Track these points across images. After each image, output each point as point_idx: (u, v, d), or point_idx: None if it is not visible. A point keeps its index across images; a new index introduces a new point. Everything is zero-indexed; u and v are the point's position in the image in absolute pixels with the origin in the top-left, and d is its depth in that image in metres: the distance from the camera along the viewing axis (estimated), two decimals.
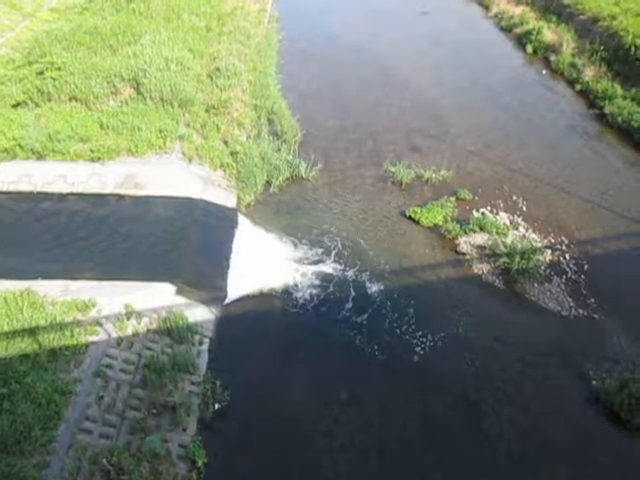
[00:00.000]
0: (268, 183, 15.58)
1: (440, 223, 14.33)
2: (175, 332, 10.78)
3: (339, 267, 13.15)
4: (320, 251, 13.54)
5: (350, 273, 12.95)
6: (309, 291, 12.49)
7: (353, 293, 12.38)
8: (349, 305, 12.16)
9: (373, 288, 12.61)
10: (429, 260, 13.44)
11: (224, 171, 15.27)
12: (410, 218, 14.53)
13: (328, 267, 13.11)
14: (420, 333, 11.48)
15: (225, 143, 16.06)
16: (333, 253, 13.48)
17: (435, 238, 14.05)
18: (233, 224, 13.96)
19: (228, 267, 12.59)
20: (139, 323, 10.76)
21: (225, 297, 12.05)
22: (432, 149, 17.11)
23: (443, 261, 13.39)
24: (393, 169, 16.18)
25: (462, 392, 10.44)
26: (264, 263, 12.91)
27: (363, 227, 14.40)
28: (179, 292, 11.53)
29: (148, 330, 10.74)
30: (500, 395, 10.42)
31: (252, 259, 12.89)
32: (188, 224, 13.05)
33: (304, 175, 15.85)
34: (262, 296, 12.17)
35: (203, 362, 10.71)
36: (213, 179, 14.91)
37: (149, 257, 11.98)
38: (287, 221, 14.38)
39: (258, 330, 11.42)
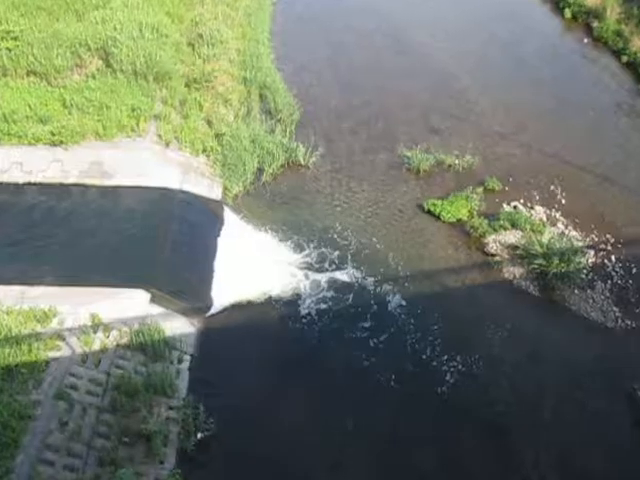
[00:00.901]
0: (260, 171, 15.56)
1: (464, 218, 14.37)
2: (150, 348, 10.78)
3: (345, 272, 13.11)
4: (322, 252, 13.51)
5: (358, 279, 12.95)
6: (309, 301, 12.43)
7: (361, 303, 12.37)
8: (356, 318, 12.11)
9: (385, 297, 12.63)
10: (452, 263, 13.49)
11: (207, 157, 15.32)
12: (429, 212, 14.52)
13: (332, 272, 13.11)
14: (442, 352, 11.43)
15: (209, 123, 16.13)
16: (337, 255, 13.49)
17: (459, 236, 14.09)
18: (218, 220, 13.90)
19: (212, 271, 12.58)
20: (107, 337, 10.78)
21: (209, 307, 12.05)
22: (454, 130, 17.19)
23: (468, 264, 13.47)
24: (408, 154, 16.23)
25: (492, 423, 10.41)
26: (255, 267, 12.82)
27: (373, 223, 14.46)
28: (154, 300, 11.54)
29: (118, 345, 10.75)
30: (536, 424, 10.31)
31: (241, 262, 12.82)
32: (165, 220, 13.01)
33: (303, 161, 15.85)
34: (253, 306, 12.11)
35: (183, 383, 10.73)
36: (194, 166, 14.99)
37: (119, 259, 11.97)
38: (282, 216, 14.34)
39: (248, 346, 11.37)
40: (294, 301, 12.50)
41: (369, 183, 15.66)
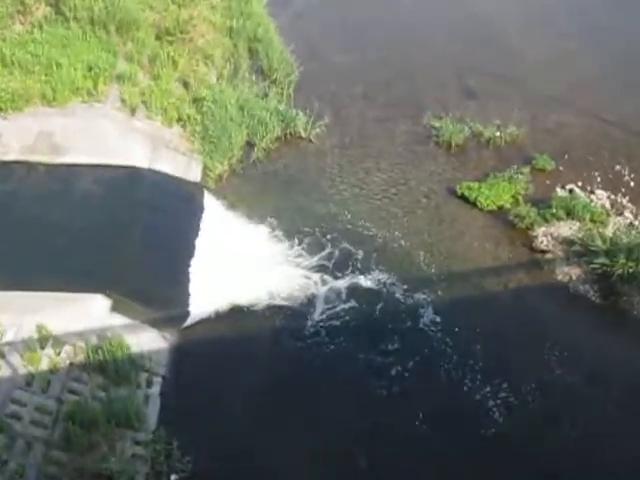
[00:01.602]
0: (250, 145, 15.39)
1: (507, 205, 14.31)
2: (111, 368, 10.72)
3: (357, 273, 12.92)
4: (327, 248, 13.31)
5: (373, 282, 12.77)
6: (311, 310, 12.27)
7: (378, 314, 12.21)
8: (370, 332, 11.99)
9: (408, 305, 12.47)
10: (491, 262, 13.37)
11: (183, 127, 15.21)
12: (463, 198, 14.46)
13: (339, 273, 12.96)
14: (485, 380, 11.28)
15: (185, 86, 16.06)
16: (347, 251, 13.29)
17: (500, 228, 13.99)
18: (197, 207, 13.78)
19: (190, 272, 12.44)
20: (58, 354, 10.69)
21: (185, 316, 11.94)
22: (495, 94, 17.11)
23: (512, 263, 13.32)
24: (437, 124, 16.15)
25: (552, 472, 10.16)
26: (243, 267, 12.69)
27: (392, 212, 14.34)
28: (117, 308, 11.50)
29: (72, 364, 10.69)
30: (608, 472, 10.14)
31: (226, 260, 12.67)
32: (130, 207, 12.92)
33: (303, 133, 15.74)
34: (241, 317, 12.01)
35: (153, 412, 10.64)
36: (167, 139, 14.84)
37: (73, 256, 11.88)
38: (278, 203, 14.23)
39: (235, 367, 11.24)
40: (293, 311, 12.32)
41: (387, 161, 15.55)
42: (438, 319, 12.31)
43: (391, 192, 14.91)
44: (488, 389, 11.24)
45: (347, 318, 12.26)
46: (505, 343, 11.91)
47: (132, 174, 13.70)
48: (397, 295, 12.69)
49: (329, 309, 12.44)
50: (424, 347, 11.86)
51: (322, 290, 12.74)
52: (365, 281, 12.91)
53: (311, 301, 12.50)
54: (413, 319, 12.27)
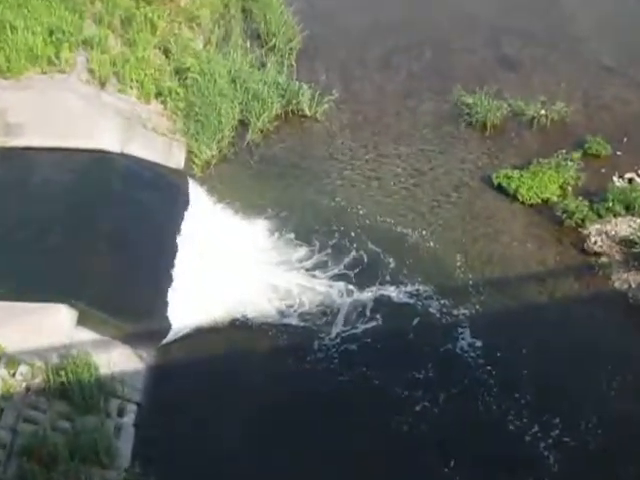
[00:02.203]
0: (244, 125, 15.35)
1: (554, 198, 14.27)
2: (76, 393, 10.60)
3: (372, 281, 12.86)
4: (336, 250, 13.33)
5: (393, 292, 12.68)
6: (316, 325, 12.24)
7: (403, 334, 12.11)
8: (394, 358, 11.83)
9: (434, 322, 12.36)
10: (536, 265, 13.26)
11: (163, 104, 15.18)
12: (500, 189, 14.45)
13: (351, 280, 12.86)
14: (536, 417, 10.97)
15: (166, 53, 16.03)
16: (360, 254, 13.25)
17: (545, 225, 13.93)
18: (180, 200, 13.73)
19: (171, 279, 12.45)
20: (12, 375, 10.54)
21: (166, 331, 11.95)
22: (538, 64, 17.22)
23: (560, 267, 13.24)
24: (469, 100, 16.17)
25: None
26: (235, 272, 12.68)
27: (416, 207, 14.29)
28: (84, 322, 11.45)
29: (28, 388, 10.57)
30: None
31: (214, 264, 12.69)
32: (99, 200, 12.89)
33: (308, 111, 15.76)
34: (232, 331, 12.00)
35: (126, 446, 10.48)
36: (144, 118, 14.78)
37: (31, 260, 11.78)
38: (277, 195, 14.22)
39: (224, 392, 11.16)
40: (295, 325, 12.20)
41: (409, 145, 15.48)
42: (476, 340, 12.11)
43: (414, 183, 14.79)
44: (538, 427, 10.91)
45: (365, 339, 12.06)
46: (555, 367, 11.67)
47: (101, 160, 13.63)
48: (424, 310, 12.51)
49: (343, 327, 12.27)
50: (460, 376, 11.64)
51: (333, 303, 12.61)
52: (384, 293, 12.73)
53: (319, 316, 12.37)
54: (445, 340, 12.09)
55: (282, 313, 12.34)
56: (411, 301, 12.69)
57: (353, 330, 12.21)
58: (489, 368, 11.69)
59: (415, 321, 12.31)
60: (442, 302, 12.64)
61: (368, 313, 12.39)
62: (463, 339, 12.12)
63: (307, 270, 13.08)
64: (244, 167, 14.82)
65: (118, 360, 11.37)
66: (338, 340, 11.98)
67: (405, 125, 15.88)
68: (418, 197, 14.58)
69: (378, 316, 12.39)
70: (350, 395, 11.29)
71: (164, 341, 11.83)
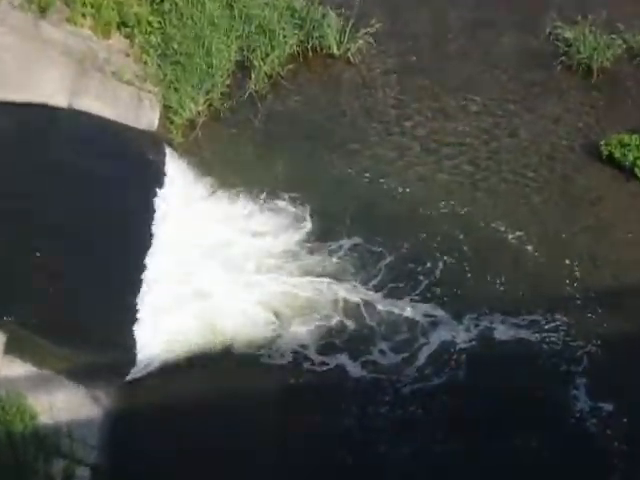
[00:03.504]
0: (244, 69, 14.74)
1: None
2: (4, 449, 10.47)
3: (431, 299, 12.41)
4: (376, 252, 12.82)
5: (485, 321, 12.21)
6: (341, 360, 11.90)
7: (469, 382, 11.67)
8: (442, 412, 11.49)
9: (537, 366, 11.88)
10: None
11: (129, 39, 14.78)
12: (611, 161, 13.94)
13: (399, 299, 12.38)
14: None
15: None
16: (412, 258, 12.78)
17: None
18: (152, 175, 13.38)
19: (138, 288, 12.13)
20: None
21: (130, 363, 11.62)
22: None
23: None
24: (568, 34, 15.57)
25: None
26: (227, 279, 12.47)
27: (491, 186, 13.69)
28: (16, 350, 11.18)
29: None
30: None
31: (198, 268, 12.53)
32: (37, 178, 12.59)
33: (336, 49, 15.16)
34: (218, 362, 11.71)
35: None
36: (101, 59, 14.36)
37: None
38: (290, 170, 13.73)
39: (210, 448, 10.86)
40: (308, 359, 11.84)
41: (481, 98, 14.89)
42: (598, 400, 11.68)
43: (488, 153, 14.19)
44: None
45: (412, 390, 11.53)
46: None
47: (40, 119, 13.28)
48: (519, 348, 12.08)
49: (371, 366, 11.82)
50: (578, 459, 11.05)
51: (363, 328, 12.17)
52: (449, 316, 12.29)
53: (339, 346, 11.95)
54: (557, 397, 11.61)
55: (288, 335, 12.03)
56: (504, 335, 12.29)
57: (432, 381, 11.77)
58: (617, 442, 11.21)
59: (509, 365, 11.86)
60: (544, 335, 12.24)
61: (435, 344, 12.10)
62: (580, 397, 11.75)
63: (328, 277, 12.59)
64: (244, 129, 14.25)
65: (65, 404, 11.01)
66: (345, 373, 11.64)
67: (475, 69, 15.13)
68: (493, 174, 13.95)
69: (462, 359, 11.97)
70: (354, 442, 11.11)
71: (130, 376, 11.43)
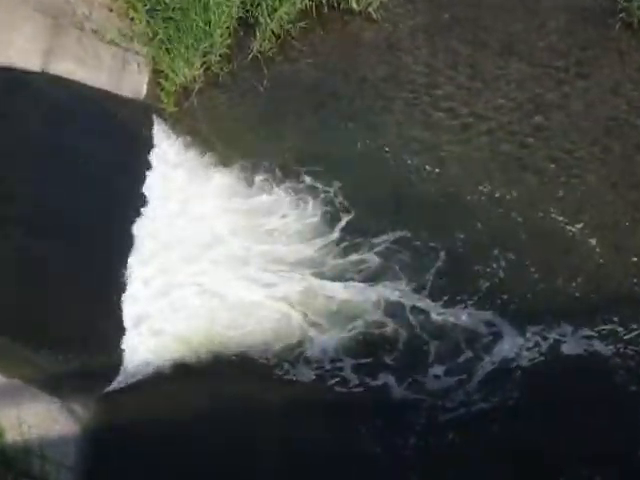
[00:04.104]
0: (247, 26, 14.23)
1: None
2: None
3: (478, 302, 11.77)
4: (412, 243, 12.19)
5: (513, 323, 11.63)
6: (374, 377, 11.27)
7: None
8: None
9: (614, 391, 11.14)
10: None
11: None
12: None
13: (436, 301, 11.76)
14: None
15: None
16: (449, 253, 12.10)
17: None
18: (138, 152, 13.00)
19: (122, 286, 11.89)
20: None
21: (112, 372, 11.40)
22: None
23: None
24: None
25: None
26: (230, 276, 12.10)
27: (533, 165, 12.94)
28: None
29: None
30: None
31: (194, 263, 12.22)
32: (5, 154, 12.07)
33: (354, 3, 14.53)
34: (223, 374, 11.48)
35: None
36: (79, 15, 13.86)
37: None
38: (302, 145, 13.16)
39: (206, 474, 10.78)
40: (340, 376, 11.30)
41: (527, 60, 14.08)
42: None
43: (533, 126, 13.37)
44: None
45: (468, 418, 10.94)
46: None
47: (9, 84, 12.74)
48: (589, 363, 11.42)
49: (418, 388, 11.07)
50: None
51: (408, 339, 11.48)
52: (511, 325, 11.68)
53: (380, 361, 11.32)
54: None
55: (299, 340, 11.71)
56: (575, 349, 11.77)
57: (491, 407, 11.11)
58: None
59: (582, 388, 11.31)
60: (621, 349, 11.68)
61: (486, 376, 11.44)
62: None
63: (347, 278, 12.05)
64: (247, 97, 13.45)
65: (36, 419, 10.84)
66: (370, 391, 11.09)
67: (520, 27, 14.25)
68: (540, 152, 13.08)
69: (526, 379, 11.29)
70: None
71: (111, 386, 11.24)
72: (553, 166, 13.42)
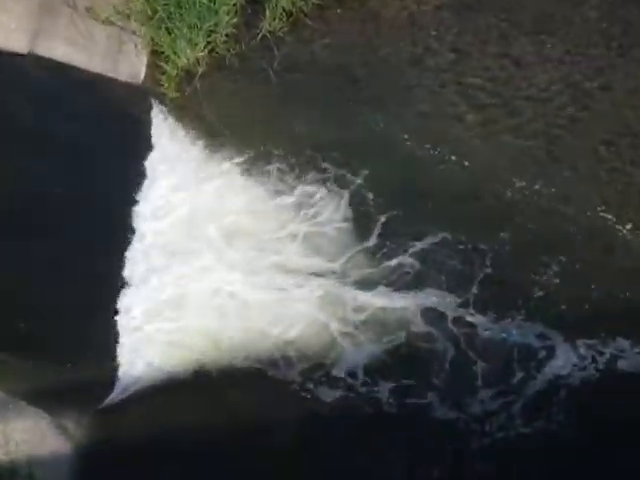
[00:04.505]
0: (255, 3, 13.76)
1: None
2: None
3: (528, 314, 11.56)
4: (448, 245, 11.97)
5: (568, 337, 11.46)
6: (409, 396, 10.95)
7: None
8: None
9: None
10: None
11: None
12: None
13: (481, 312, 11.54)
14: None
15: None
16: (493, 256, 11.90)
17: None
18: (137, 142, 12.85)
19: (119, 291, 11.88)
20: None
21: (107, 385, 11.38)
22: None
23: None
24: None
25: None
26: (242, 278, 11.88)
27: (572, 157, 12.69)
28: None
29: None
30: None
31: (197, 262, 12.07)
32: None
33: None
34: (219, 385, 11.35)
35: None
36: None
37: None
38: (319, 133, 12.88)
39: None
40: (372, 396, 10.97)
41: (563, 40, 13.75)
42: None
43: (571, 113, 13.06)
44: None
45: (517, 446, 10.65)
46: None
47: None
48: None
49: (461, 410, 10.88)
50: None
51: (450, 355, 11.22)
52: (564, 339, 11.50)
53: (416, 379, 11.04)
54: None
55: (312, 366, 11.36)
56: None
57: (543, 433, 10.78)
58: None
59: None
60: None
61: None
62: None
63: (368, 286, 11.71)
64: (256, 81, 13.10)
65: (24, 436, 10.94)
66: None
67: (556, 4, 14.00)
68: (580, 142, 12.79)
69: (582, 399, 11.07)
70: None
71: (104, 402, 11.13)
72: (594, 158, 13.19)
